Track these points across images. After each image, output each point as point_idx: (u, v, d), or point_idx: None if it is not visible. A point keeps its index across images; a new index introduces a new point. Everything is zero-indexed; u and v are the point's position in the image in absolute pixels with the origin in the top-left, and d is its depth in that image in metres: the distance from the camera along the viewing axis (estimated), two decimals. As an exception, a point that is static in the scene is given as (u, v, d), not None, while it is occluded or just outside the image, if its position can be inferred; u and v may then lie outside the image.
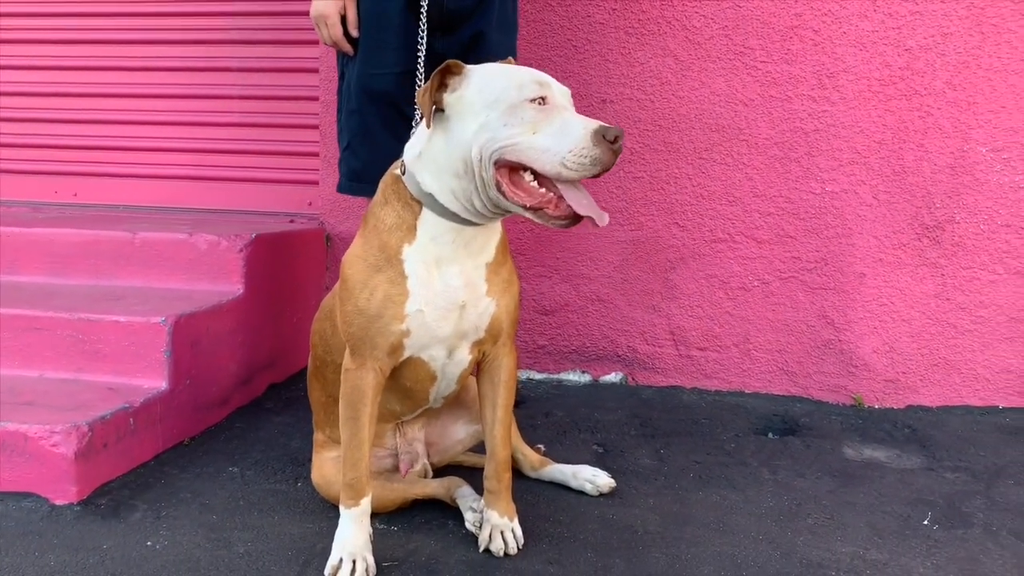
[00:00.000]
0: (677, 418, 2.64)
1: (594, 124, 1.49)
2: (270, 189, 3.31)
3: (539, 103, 1.52)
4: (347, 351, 1.71)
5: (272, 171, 3.31)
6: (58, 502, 1.95)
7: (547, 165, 1.50)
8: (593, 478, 2.08)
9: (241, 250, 2.58)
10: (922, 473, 2.26)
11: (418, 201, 1.62)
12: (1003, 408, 2.69)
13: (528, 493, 2.06)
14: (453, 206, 1.60)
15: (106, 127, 3.46)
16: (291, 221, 3.12)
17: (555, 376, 3.01)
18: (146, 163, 3.42)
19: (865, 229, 2.73)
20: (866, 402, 2.75)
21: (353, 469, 1.71)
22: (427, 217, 1.62)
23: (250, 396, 2.64)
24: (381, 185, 1.69)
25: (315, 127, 3.14)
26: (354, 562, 1.67)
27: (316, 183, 3.17)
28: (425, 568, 1.73)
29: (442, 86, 1.57)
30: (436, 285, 1.63)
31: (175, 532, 1.87)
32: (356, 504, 1.72)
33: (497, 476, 1.81)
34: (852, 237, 2.73)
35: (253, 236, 2.62)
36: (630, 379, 2.95)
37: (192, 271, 2.59)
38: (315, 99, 3.13)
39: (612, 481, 2.09)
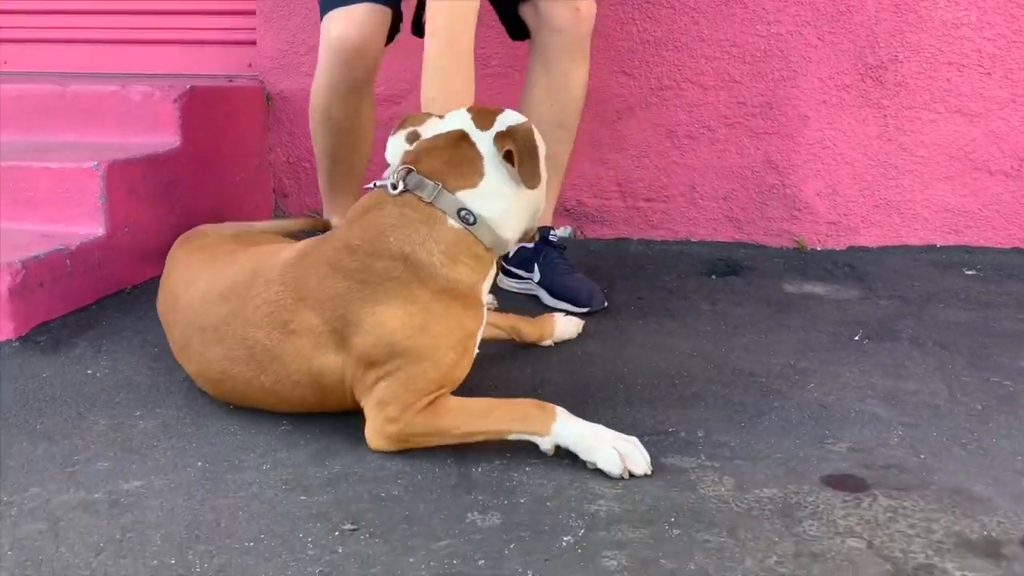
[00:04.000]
0: (623, 265, 2.67)
1: None
2: (207, 51, 3.21)
3: None
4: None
5: (207, 31, 3.19)
6: (-5, 338, 1.94)
7: None
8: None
9: (176, 100, 2.51)
10: (857, 302, 2.32)
11: (490, 250, 1.56)
12: (940, 246, 2.75)
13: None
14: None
15: (33, -10, 3.31)
16: (230, 81, 3.03)
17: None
18: (77, 27, 3.28)
19: (810, 71, 2.71)
20: (808, 244, 2.80)
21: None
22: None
23: (195, 252, 2.61)
24: (438, 246, 1.49)
25: (251, -17, 3.03)
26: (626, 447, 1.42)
27: (254, 43, 3.07)
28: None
29: None
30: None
31: (116, 362, 1.88)
32: (553, 419, 1.44)
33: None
34: (797, 79, 2.72)
35: (188, 87, 2.55)
36: (578, 233, 2.97)
37: (126, 124, 2.52)
38: (250, -47, 3.01)
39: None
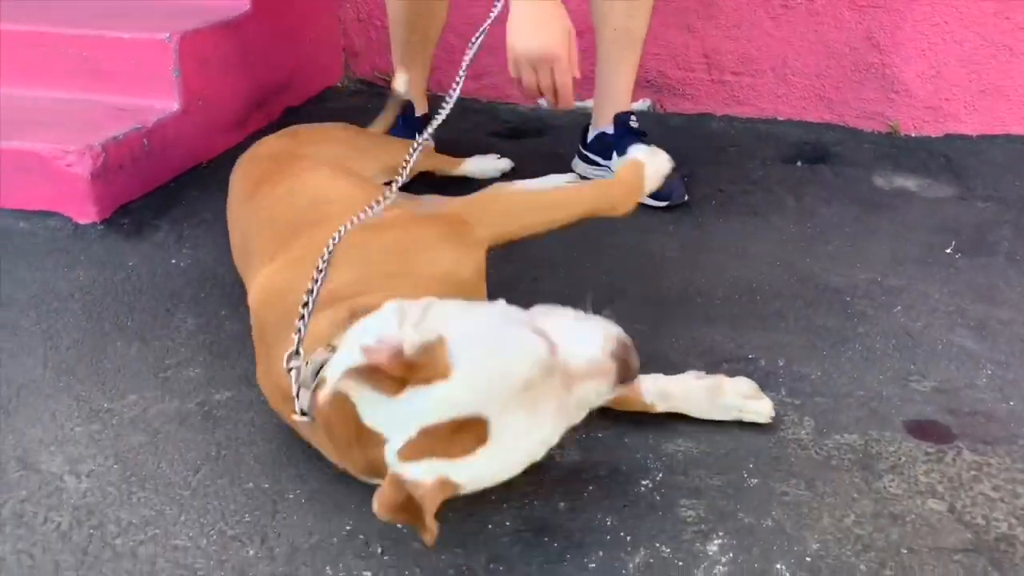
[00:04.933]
0: (705, 146, 2.56)
1: None
2: None
3: None
4: None
5: None
6: (81, 221, 1.97)
7: None
8: None
9: (245, -41, 2.41)
10: (952, 202, 2.21)
11: None
12: (1047, 137, 2.57)
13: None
14: None
15: None
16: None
17: (580, 104, 2.88)
18: None
19: (927, -63, 2.46)
20: (902, 130, 2.64)
21: None
22: None
23: (266, 119, 2.57)
24: None
25: None
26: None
27: None
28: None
29: None
30: None
31: (198, 251, 1.90)
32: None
33: None
34: (912, -54, 2.48)
35: (256, -56, 2.43)
36: (658, 106, 2.84)
37: (195, -17, 2.44)
38: None
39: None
